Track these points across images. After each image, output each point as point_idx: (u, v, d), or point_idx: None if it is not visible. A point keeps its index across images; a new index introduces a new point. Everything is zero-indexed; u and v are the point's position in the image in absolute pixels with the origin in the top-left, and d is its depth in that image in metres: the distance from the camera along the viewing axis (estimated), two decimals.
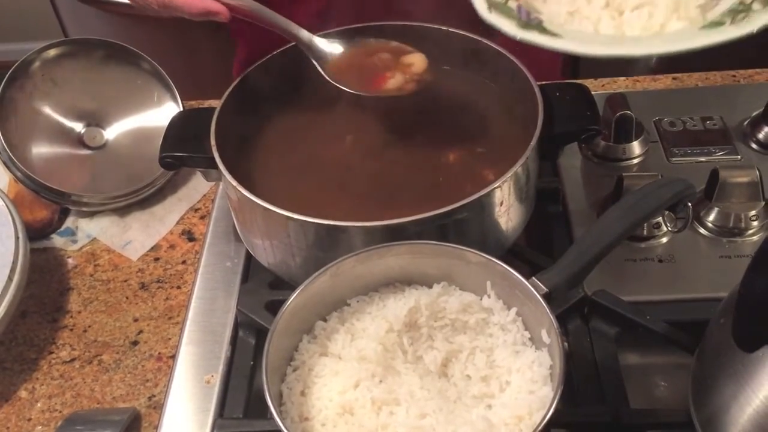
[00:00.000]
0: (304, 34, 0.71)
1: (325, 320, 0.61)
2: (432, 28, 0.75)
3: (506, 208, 0.66)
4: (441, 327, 0.60)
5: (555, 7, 0.63)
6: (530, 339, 0.58)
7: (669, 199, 0.61)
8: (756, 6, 0.57)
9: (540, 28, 0.60)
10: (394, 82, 0.70)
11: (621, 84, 0.94)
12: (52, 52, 0.85)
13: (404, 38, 0.73)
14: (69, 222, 0.84)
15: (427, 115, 0.73)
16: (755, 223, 0.72)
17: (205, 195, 0.86)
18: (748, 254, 0.71)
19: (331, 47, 0.72)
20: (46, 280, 0.79)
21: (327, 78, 0.70)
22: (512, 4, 0.62)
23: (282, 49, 0.76)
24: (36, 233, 0.82)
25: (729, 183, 0.71)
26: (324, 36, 0.73)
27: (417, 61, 0.71)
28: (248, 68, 0.75)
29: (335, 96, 0.71)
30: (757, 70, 0.93)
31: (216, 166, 0.67)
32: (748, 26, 0.56)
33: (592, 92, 0.73)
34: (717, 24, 0.58)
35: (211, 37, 1.64)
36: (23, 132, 0.84)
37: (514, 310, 0.59)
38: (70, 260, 0.81)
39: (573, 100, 0.71)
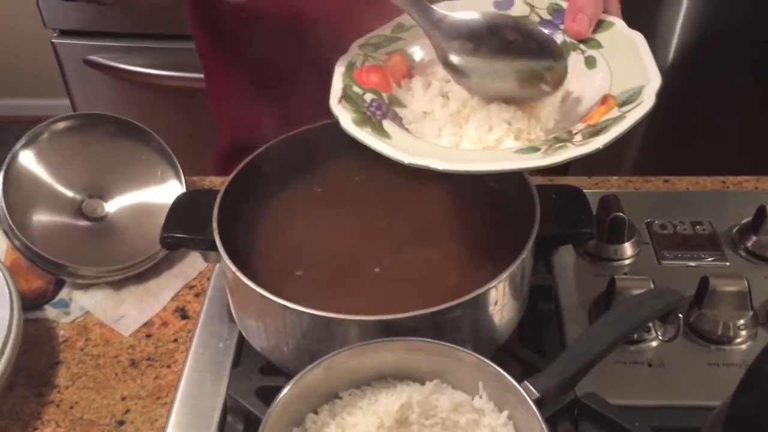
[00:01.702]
0: (435, 13, 0.64)
1: (316, 413, 0.61)
2: None
3: (501, 307, 0.67)
4: (432, 425, 0.60)
5: (417, 105, 0.66)
6: None
7: (660, 310, 0.62)
8: (576, 139, 0.58)
9: (374, 126, 0.62)
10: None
11: (614, 183, 0.97)
12: (61, 125, 0.87)
13: None
14: (63, 293, 0.84)
15: (426, 211, 0.75)
16: (743, 332, 0.73)
17: (201, 272, 0.86)
18: (736, 363, 0.72)
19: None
20: (36, 352, 0.78)
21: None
22: (368, 97, 0.64)
23: (284, 136, 0.78)
24: (30, 303, 0.82)
25: (718, 291, 0.73)
26: None
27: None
28: (231, 156, 0.77)
29: (339, 185, 0.73)
30: (746, 177, 0.96)
31: (216, 249, 0.68)
32: (557, 157, 0.57)
33: (586, 190, 0.75)
34: (533, 149, 0.59)
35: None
36: (25, 200, 0.85)
37: (505, 413, 0.59)
38: (61, 332, 0.80)
39: (569, 203, 0.73)
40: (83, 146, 0.88)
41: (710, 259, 0.82)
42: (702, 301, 0.73)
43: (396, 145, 0.60)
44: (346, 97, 0.64)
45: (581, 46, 0.68)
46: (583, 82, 0.66)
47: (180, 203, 0.75)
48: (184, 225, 0.72)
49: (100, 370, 0.76)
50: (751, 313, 0.73)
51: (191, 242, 0.72)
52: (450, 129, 0.63)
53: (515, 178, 0.73)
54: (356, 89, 0.65)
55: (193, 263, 0.87)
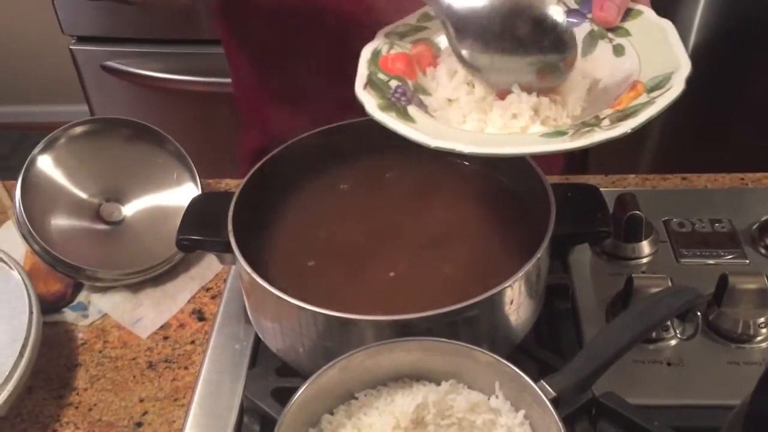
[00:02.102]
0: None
1: (332, 414, 0.61)
2: None
3: (516, 306, 0.66)
4: (448, 426, 0.60)
5: (442, 92, 0.65)
6: None
7: (678, 308, 0.61)
8: (604, 123, 0.58)
9: (399, 111, 0.62)
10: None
11: (631, 182, 0.96)
12: (78, 129, 0.88)
13: None
14: (81, 296, 0.85)
15: (442, 210, 0.75)
16: (764, 330, 0.72)
17: (217, 274, 0.87)
18: (756, 361, 0.71)
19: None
20: (54, 354, 0.79)
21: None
22: (393, 84, 0.64)
23: (300, 136, 0.78)
24: (49, 306, 0.83)
25: (738, 289, 0.72)
26: None
27: None
28: (260, 157, 0.77)
29: (354, 185, 0.73)
30: (766, 174, 0.95)
31: (231, 251, 0.68)
32: (584, 140, 0.56)
33: (602, 188, 0.74)
34: (559, 134, 0.58)
35: (231, 112, 1.69)
36: (43, 205, 0.86)
37: (522, 412, 0.59)
38: (80, 335, 0.81)
39: (584, 201, 0.72)
40: (100, 150, 0.89)
41: (729, 257, 0.81)
42: (721, 300, 0.72)
43: (421, 129, 0.59)
44: (371, 83, 0.64)
45: (609, 34, 0.67)
46: (612, 70, 0.65)
47: (195, 206, 0.75)
48: (200, 227, 0.72)
49: (118, 373, 0.77)
50: None
51: (207, 244, 0.72)
52: (475, 116, 0.63)
53: (531, 176, 0.72)
54: (381, 76, 0.65)
55: (209, 265, 0.88)
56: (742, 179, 0.95)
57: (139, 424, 0.72)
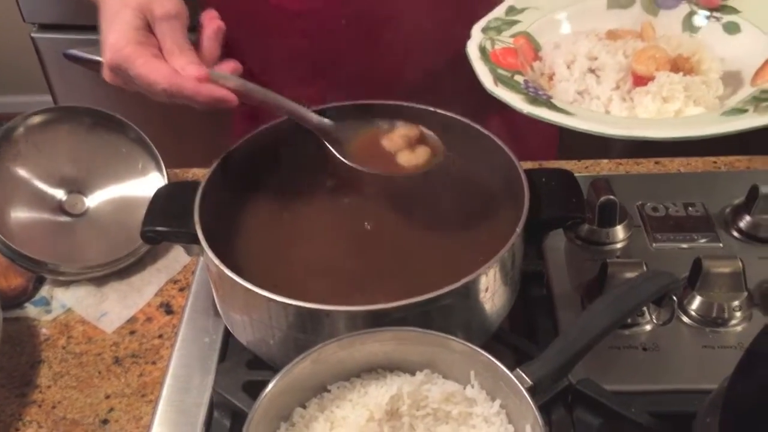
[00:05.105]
0: (314, 118, 0.71)
1: (304, 407, 0.59)
2: (419, 109, 0.76)
3: (491, 294, 0.65)
4: (423, 416, 0.58)
5: (564, 85, 0.63)
6: None
7: (654, 293, 0.61)
8: None
9: (549, 104, 0.59)
10: (409, 159, 0.70)
11: (604, 167, 0.95)
12: (37, 119, 0.85)
13: (390, 117, 0.74)
14: (44, 291, 0.82)
15: (414, 198, 0.73)
16: (738, 314, 0.72)
17: (185, 267, 0.85)
18: (731, 345, 0.71)
19: (343, 129, 0.72)
20: (16, 351, 0.76)
21: (344, 160, 0.70)
22: (519, 79, 0.62)
23: (268, 125, 0.76)
24: (9, 302, 0.80)
25: (712, 273, 0.71)
26: (320, 111, 0.73)
27: (430, 141, 0.72)
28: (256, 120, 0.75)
29: (323, 175, 0.71)
30: (738, 157, 0.95)
31: (198, 242, 0.66)
32: None
33: (576, 174, 0.73)
34: (739, 111, 0.57)
35: None
36: (2, 197, 0.83)
37: (498, 402, 0.58)
38: (43, 331, 0.78)
39: (559, 186, 0.71)
40: (61, 140, 0.86)
41: (703, 240, 0.81)
42: (696, 283, 0.72)
43: (590, 120, 0.57)
44: (499, 79, 0.61)
45: (715, 14, 0.66)
46: (730, 48, 0.64)
47: (161, 196, 0.73)
48: (166, 218, 0.70)
49: (83, 369, 0.75)
50: (745, 294, 0.72)
51: (173, 236, 0.70)
52: (618, 104, 0.61)
53: (504, 161, 0.71)
54: (502, 71, 0.63)
55: (177, 257, 0.85)
56: (715, 162, 0.95)
57: (106, 421, 0.70)
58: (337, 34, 0.85)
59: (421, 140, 0.71)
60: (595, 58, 0.63)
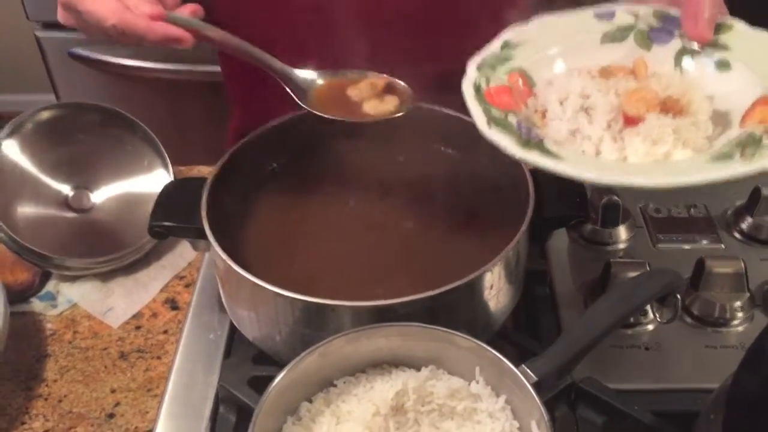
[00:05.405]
0: (277, 64, 0.69)
1: (310, 401, 0.60)
2: (425, 108, 0.76)
3: (496, 291, 0.66)
4: (428, 412, 0.59)
5: (556, 124, 0.63)
6: (519, 429, 0.57)
7: (659, 291, 0.61)
8: (766, 140, 0.56)
9: (540, 147, 0.59)
10: (376, 107, 0.70)
11: None
12: (45, 114, 0.85)
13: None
14: (50, 286, 0.83)
15: (420, 194, 0.74)
16: (740, 314, 0.72)
17: (190, 263, 0.85)
18: (733, 345, 0.71)
19: (309, 77, 0.71)
20: (23, 346, 0.77)
21: (305, 107, 0.69)
22: (512, 119, 0.62)
23: (276, 121, 0.77)
24: (16, 296, 0.80)
25: (715, 273, 0.72)
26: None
27: (399, 90, 0.71)
28: (242, 137, 0.75)
29: (330, 170, 0.71)
30: None
31: (205, 237, 0.67)
32: (759, 162, 0.54)
33: None
34: (726, 156, 0.57)
35: (202, 100, 1.66)
36: (9, 192, 0.83)
37: (503, 397, 0.58)
38: (48, 326, 0.79)
39: (563, 185, 0.71)
40: (68, 137, 0.86)
41: (705, 241, 0.81)
42: (698, 284, 0.73)
43: (579, 165, 0.57)
44: (492, 120, 0.61)
45: (704, 51, 0.66)
46: (720, 86, 0.64)
47: (168, 192, 0.73)
48: (173, 213, 0.71)
49: (89, 363, 0.75)
50: (747, 294, 0.73)
51: (180, 231, 0.70)
52: (609, 144, 0.60)
53: (509, 161, 0.71)
54: (495, 112, 0.62)
55: (182, 253, 0.86)
56: None
57: (111, 416, 0.70)
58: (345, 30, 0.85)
59: (390, 89, 0.71)
60: (588, 96, 0.63)
